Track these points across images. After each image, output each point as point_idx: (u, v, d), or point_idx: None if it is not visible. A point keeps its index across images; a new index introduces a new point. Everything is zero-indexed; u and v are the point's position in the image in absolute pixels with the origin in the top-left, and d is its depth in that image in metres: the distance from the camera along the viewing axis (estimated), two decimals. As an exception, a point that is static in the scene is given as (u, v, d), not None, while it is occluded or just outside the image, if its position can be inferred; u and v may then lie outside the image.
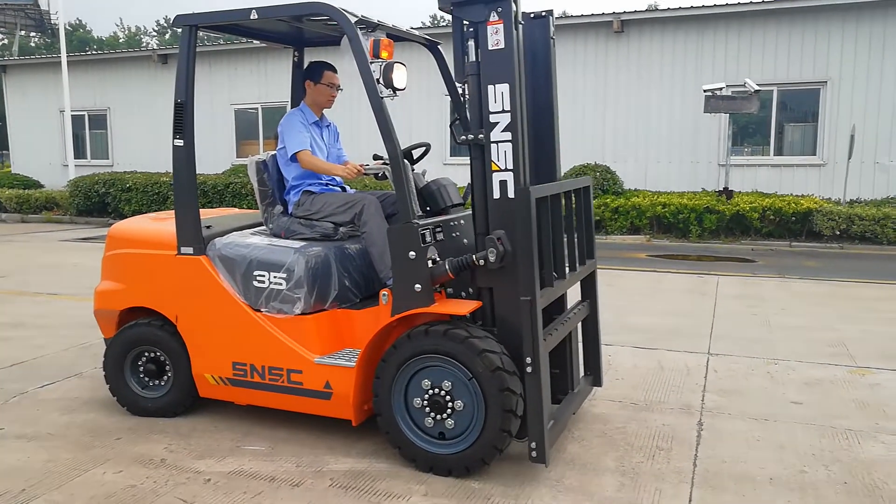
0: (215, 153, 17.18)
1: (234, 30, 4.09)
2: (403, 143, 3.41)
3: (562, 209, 3.50)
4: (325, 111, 4.26)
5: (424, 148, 3.87)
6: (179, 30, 3.78)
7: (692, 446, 3.60)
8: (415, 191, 3.45)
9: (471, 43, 3.20)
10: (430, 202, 3.63)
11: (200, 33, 3.86)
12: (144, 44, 51.47)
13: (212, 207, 12.17)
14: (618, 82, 14.55)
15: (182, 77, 3.75)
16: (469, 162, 3.31)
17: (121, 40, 52.42)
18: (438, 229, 3.42)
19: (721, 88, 12.51)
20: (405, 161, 3.35)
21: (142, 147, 18.92)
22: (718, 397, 4.32)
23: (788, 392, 4.41)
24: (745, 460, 3.43)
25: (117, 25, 59.01)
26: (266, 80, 17.50)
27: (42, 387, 4.52)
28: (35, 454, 3.52)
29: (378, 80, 3.23)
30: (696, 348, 5.40)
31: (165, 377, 3.99)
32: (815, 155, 13.51)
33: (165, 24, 54.06)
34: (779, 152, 13.86)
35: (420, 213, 3.42)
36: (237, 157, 17.72)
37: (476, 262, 3.18)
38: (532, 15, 3.63)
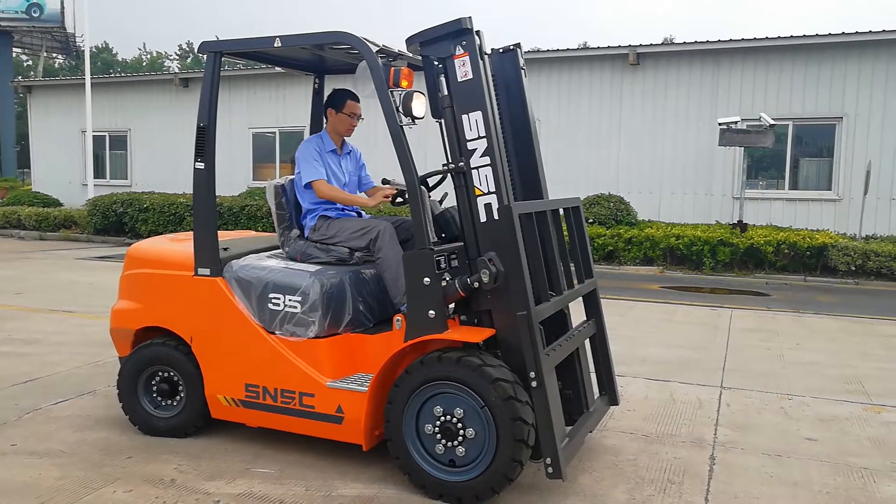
0: (232, 175, 17.38)
1: (258, 57, 4.17)
2: (420, 170, 3.46)
3: (550, 226, 3.57)
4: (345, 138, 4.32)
5: (440, 175, 3.91)
6: (204, 56, 3.86)
7: (704, 481, 3.56)
8: (431, 218, 3.49)
9: (442, 78, 3.35)
10: (444, 229, 3.67)
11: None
12: (166, 67, 52.37)
13: (227, 229, 12.28)
14: (633, 114, 14.64)
15: (205, 101, 3.81)
16: (455, 190, 3.39)
17: (144, 64, 53.40)
18: (453, 256, 3.45)
19: (736, 122, 12.55)
20: (422, 188, 3.39)
21: (160, 168, 19.19)
22: (731, 431, 4.28)
23: (802, 428, 4.37)
24: (757, 496, 3.39)
25: (140, 50, 60.07)
26: (284, 105, 17.75)
27: (55, 404, 4.55)
28: (46, 471, 3.53)
29: (397, 108, 3.30)
30: (709, 381, 5.36)
31: (178, 397, 4.01)
32: (830, 190, 13.48)
33: (187, 49, 55.03)
34: (794, 186, 13.84)
35: (435, 240, 3.45)
36: (253, 179, 17.91)
37: (471, 284, 3.21)
38: (501, 50, 3.77)
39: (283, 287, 3.71)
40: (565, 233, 3.83)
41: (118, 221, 16.09)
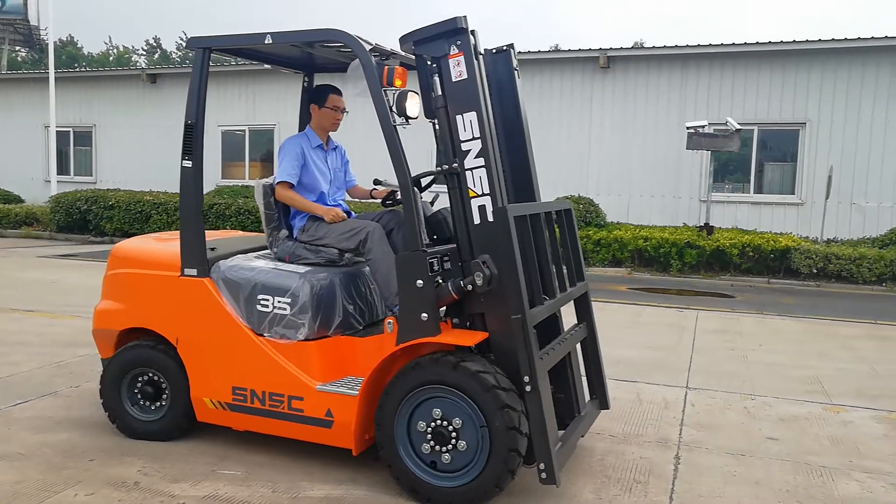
0: (201, 173, 17.12)
1: (247, 53, 4.10)
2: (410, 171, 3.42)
3: (543, 229, 3.56)
4: (330, 134, 4.26)
5: (433, 177, 3.88)
6: (192, 52, 3.79)
7: (669, 480, 3.62)
8: (423, 219, 3.46)
9: (436, 78, 3.30)
10: (437, 231, 3.65)
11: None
12: (133, 62, 51.45)
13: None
14: (602, 117, 14.80)
15: (193, 99, 3.74)
16: (448, 192, 3.38)
17: (111, 58, 52.39)
18: (446, 258, 3.43)
19: (703, 126, 12.76)
20: (414, 189, 3.35)
21: (126, 165, 18.87)
22: (696, 431, 4.35)
23: (765, 428, 4.46)
24: (721, 495, 3.45)
25: (107, 44, 58.76)
26: (253, 103, 17.56)
27: (15, 405, 4.44)
28: (4, 475, 3.44)
29: (391, 108, 3.27)
30: (675, 382, 5.44)
31: (162, 400, 3.94)
32: (793, 194, 13.78)
33: (155, 44, 54.16)
34: (758, 190, 14.12)
35: (428, 242, 3.44)
36: (222, 178, 17.70)
37: (464, 287, 3.19)
38: (494, 50, 3.76)
39: (272, 288, 3.66)
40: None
41: (82, 219, 15.80)
